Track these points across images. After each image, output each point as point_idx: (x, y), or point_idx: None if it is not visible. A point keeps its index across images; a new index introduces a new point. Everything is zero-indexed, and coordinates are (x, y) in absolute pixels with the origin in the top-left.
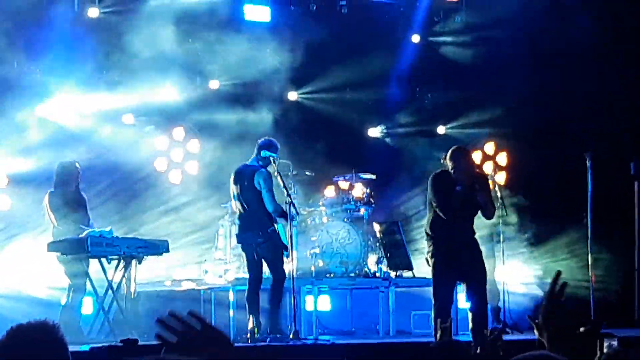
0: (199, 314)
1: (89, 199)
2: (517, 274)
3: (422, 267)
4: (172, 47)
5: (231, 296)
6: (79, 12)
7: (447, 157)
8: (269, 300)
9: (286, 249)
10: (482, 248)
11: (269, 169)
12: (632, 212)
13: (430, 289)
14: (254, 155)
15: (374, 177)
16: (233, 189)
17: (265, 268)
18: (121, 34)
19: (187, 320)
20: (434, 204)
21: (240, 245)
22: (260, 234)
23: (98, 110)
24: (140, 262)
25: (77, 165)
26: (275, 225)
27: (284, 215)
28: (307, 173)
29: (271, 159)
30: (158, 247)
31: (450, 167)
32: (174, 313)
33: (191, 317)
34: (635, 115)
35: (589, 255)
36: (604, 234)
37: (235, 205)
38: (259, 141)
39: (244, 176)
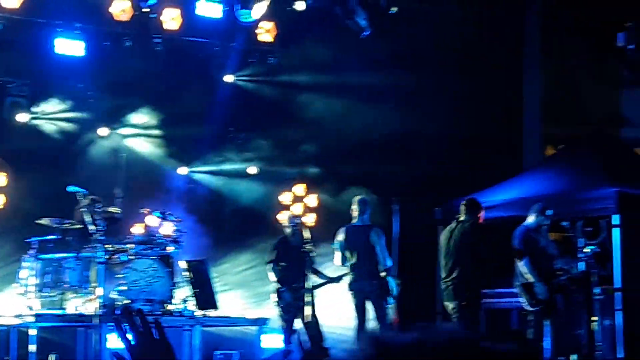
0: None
1: None
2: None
3: (227, 306)
4: None
5: (32, 333)
6: None
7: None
8: None
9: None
10: None
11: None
12: (436, 257)
13: (234, 328)
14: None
15: (180, 220)
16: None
17: None
18: None
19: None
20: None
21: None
22: (374, 283)
23: None
24: None
25: None
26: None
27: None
28: (116, 210)
29: (77, 194)
30: None
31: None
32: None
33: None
34: (440, 162)
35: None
36: (407, 278)
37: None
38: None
39: (359, 232)
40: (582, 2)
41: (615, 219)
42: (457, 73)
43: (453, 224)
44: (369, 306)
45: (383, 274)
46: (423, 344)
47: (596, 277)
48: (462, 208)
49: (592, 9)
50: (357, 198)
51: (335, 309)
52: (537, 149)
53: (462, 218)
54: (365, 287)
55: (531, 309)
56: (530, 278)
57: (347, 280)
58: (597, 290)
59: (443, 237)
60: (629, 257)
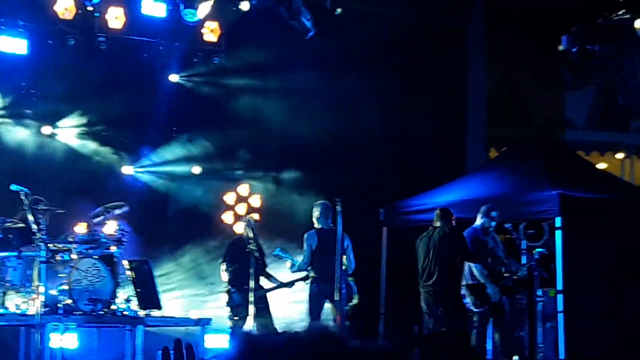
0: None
1: None
2: None
3: (170, 305)
4: None
5: None
6: None
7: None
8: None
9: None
10: None
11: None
12: (379, 257)
13: (177, 328)
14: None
15: (126, 208)
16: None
17: None
18: None
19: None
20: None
21: None
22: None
23: None
24: None
25: None
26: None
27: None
28: (59, 211)
29: (21, 193)
30: None
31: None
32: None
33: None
34: (384, 163)
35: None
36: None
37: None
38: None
39: (330, 236)
40: (526, 4)
41: (558, 221)
42: (402, 74)
43: (430, 231)
44: (327, 308)
45: (351, 278)
46: (294, 343)
47: (538, 279)
48: (437, 215)
49: (537, 12)
50: (319, 202)
51: (291, 311)
52: (481, 151)
53: (437, 224)
54: (330, 290)
55: (476, 310)
56: (480, 279)
57: (309, 280)
58: (539, 292)
59: (421, 243)
60: (571, 259)
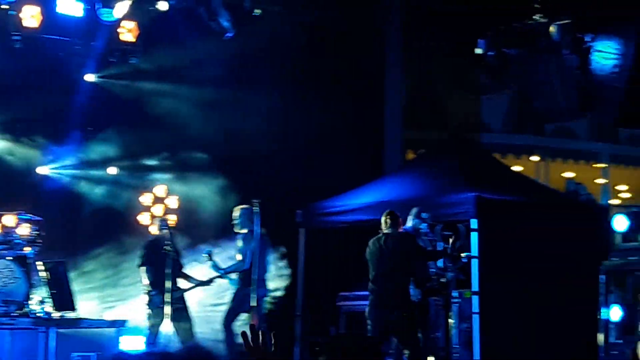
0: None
1: None
2: None
3: (85, 307)
4: None
5: None
6: None
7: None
8: None
9: None
10: None
11: None
12: (296, 258)
13: (92, 330)
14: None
15: (40, 219)
16: None
17: None
18: None
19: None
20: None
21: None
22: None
23: None
24: None
25: None
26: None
27: None
28: None
29: None
30: None
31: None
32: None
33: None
34: (302, 165)
35: (251, 301)
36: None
37: None
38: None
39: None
40: (444, 8)
41: (474, 223)
42: (320, 76)
43: (381, 236)
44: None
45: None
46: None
47: (454, 280)
48: (387, 220)
49: (454, 15)
50: (243, 206)
51: (210, 312)
52: (398, 153)
53: (388, 229)
54: (255, 294)
55: None
56: None
57: (235, 284)
58: (454, 293)
59: (373, 249)
60: (486, 261)
